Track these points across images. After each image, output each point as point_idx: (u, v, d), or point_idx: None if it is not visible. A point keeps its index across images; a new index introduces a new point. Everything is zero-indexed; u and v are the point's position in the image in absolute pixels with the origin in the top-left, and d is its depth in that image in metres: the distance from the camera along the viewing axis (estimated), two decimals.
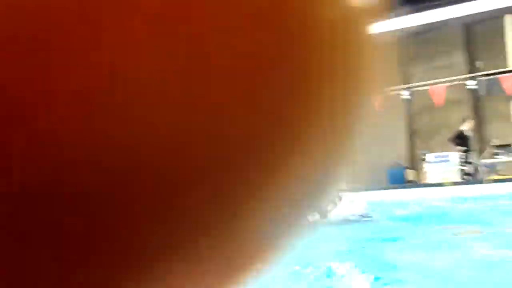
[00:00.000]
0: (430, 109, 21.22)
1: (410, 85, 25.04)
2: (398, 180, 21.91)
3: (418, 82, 27.00)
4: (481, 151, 17.58)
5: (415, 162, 23.80)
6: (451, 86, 23.35)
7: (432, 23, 27.97)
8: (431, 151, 20.03)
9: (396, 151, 27.21)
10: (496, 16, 23.14)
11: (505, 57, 21.58)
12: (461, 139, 12.32)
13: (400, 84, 26.96)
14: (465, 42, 26.63)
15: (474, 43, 26.35)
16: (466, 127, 12.72)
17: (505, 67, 21.44)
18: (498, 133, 22.14)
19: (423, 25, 28.11)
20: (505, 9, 23.32)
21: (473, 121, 13.13)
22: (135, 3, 0.17)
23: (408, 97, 16.42)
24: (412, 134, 27.32)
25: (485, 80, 20.17)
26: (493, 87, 18.05)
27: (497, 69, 21.89)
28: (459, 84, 22.71)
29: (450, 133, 24.75)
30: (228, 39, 0.17)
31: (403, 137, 27.70)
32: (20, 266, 0.17)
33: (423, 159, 17.79)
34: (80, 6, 0.15)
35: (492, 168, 13.33)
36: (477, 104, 23.92)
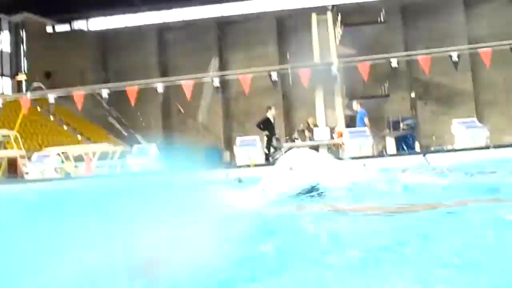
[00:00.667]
0: (245, 95, 22.31)
1: (224, 72, 26.11)
2: (215, 161, 22.82)
3: (237, 69, 28.37)
4: (289, 136, 19.21)
5: (231, 145, 24.81)
6: (262, 75, 25.04)
7: (248, 14, 29.66)
8: (246, 134, 21.08)
9: (214, 134, 28.39)
10: (304, 13, 25.35)
11: (312, 51, 23.75)
12: (266, 125, 13.45)
13: (219, 71, 27.93)
14: (278, 35, 28.86)
15: (286, 36, 28.71)
16: (270, 114, 13.90)
17: (312, 61, 23.57)
18: (303, 118, 24.55)
19: (241, 15, 29.63)
20: (313, 8, 25.73)
21: (274, 108, 14.36)
22: None
23: (218, 84, 17.05)
24: (229, 118, 28.73)
25: (292, 71, 21.96)
26: (299, 78, 19.77)
27: (305, 62, 23.96)
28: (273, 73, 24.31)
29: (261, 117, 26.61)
30: None
31: (220, 121, 28.97)
32: None
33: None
34: None
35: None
36: (286, 92, 26.12)
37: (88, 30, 31.11)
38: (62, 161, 13.38)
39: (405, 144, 21.09)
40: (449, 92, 26.81)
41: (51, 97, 15.39)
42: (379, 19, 22.01)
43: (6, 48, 30.54)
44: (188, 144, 28.33)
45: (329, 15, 23.02)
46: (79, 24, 31.33)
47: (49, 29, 31.10)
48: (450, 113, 27.42)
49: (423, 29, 26.90)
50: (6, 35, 30.53)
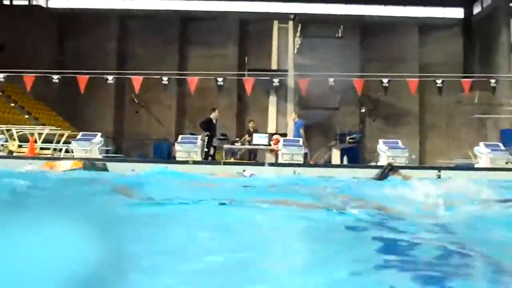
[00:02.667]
0: (201, 93, 22.50)
1: (180, 72, 26.26)
2: (163, 155, 22.92)
3: (195, 65, 28.52)
4: (240, 137, 19.54)
5: None
6: (222, 75, 25.37)
7: (212, 12, 29.84)
8: (197, 131, 21.28)
9: (165, 128, 28.36)
10: (267, 19, 25.83)
11: (270, 57, 24.27)
12: (208, 125, 14.01)
13: (175, 67, 28.00)
14: (239, 37, 29.21)
15: (247, 39, 29.10)
16: (213, 116, 14.46)
17: (269, 67, 24.07)
18: (258, 122, 25.03)
19: (206, 12, 29.75)
20: (276, 15, 26.26)
21: (217, 111, 14.93)
22: None
23: (166, 83, 17.23)
24: (182, 114, 28.79)
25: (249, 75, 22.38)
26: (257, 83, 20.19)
27: (263, 67, 24.42)
28: (231, 75, 24.62)
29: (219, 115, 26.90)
30: None
31: (173, 116, 28.98)
32: None
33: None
34: None
35: (233, 153, 15.40)
36: (241, 95, 26.45)
37: (47, 7, 30.36)
38: (6, 140, 13.21)
39: (349, 156, 21.98)
40: (397, 112, 28.01)
41: (1, 75, 15.11)
42: (337, 34, 22.76)
43: None
44: (139, 136, 28.26)
45: (290, 24, 23.63)
46: (38, 1, 30.53)
47: (5, 1, 30.17)
48: (396, 132, 28.66)
49: (378, 48, 28.00)
50: None
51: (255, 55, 26.96)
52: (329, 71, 24.01)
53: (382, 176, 6.12)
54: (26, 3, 30.56)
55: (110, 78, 15.24)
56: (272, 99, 23.77)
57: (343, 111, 25.95)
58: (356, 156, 22.89)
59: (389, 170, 6.26)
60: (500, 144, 12.89)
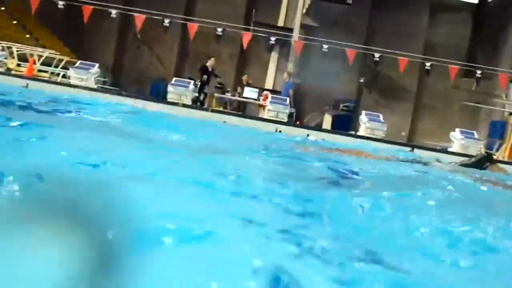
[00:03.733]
0: (204, 39, 22.54)
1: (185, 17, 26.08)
2: (160, 94, 23.14)
3: (201, 8, 28.28)
4: (234, 88, 19.82)
5: None
6: (225, 26, 25.35)
7: None
8: (195, 77, 21.46)
9: (165, 69, 28.43)
10: None
11: (278, 13, 24.17)
12: (203, 72, 14.29)
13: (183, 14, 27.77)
14: None
15: None
16: (209, 64, 14.70)
17: (276, 23, 24.02)
18: (255, 76, 25.20)
19: None
20: None
21: (213, 59, 15.16)
22: None
23: (167, 25, 17.26)
24: (184, 57, 28.79)
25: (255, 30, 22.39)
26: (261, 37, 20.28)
27: (270, 22, 24.36)
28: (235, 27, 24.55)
29: (217, 64, 27.02)
30: None
31: (174, 57, 28.98)
32: None
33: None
34: None
35: (225, 102, 15.77)
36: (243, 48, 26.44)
37: None
38: (6, 57, 13.40)
39: (340, 123, 22.38)
40: (395, 87, 28.18)
41: None
42: (347, 0, 22.66)
43: None
44: (138, 72, 28.37)
45: None
46: None
47: None
48: (390, 106, 28.98)
49: (386, 21, 27.84)
50: None
51: (264, 8, 26.74)
52: (334, 36, 24.11)
53: (477, 164, 5.82)
54: None
55: (114, 12, 15.29)
56: (274, 56, 23.86)
57: (341, 78, 26.08)
58: (348, 124, 23.24)
59: (486, 160, 5.99)
60: (475, 133, 13.37)
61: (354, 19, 24.56)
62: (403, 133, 28.15)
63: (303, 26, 22.84)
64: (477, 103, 23.16)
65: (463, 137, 12.71)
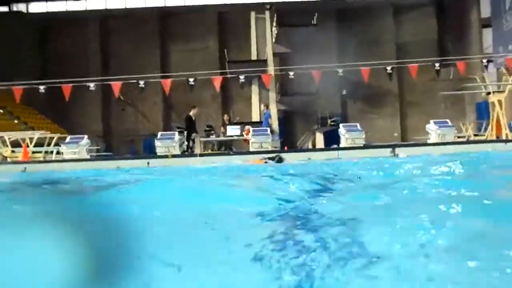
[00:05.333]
0: (185, 88, 23.16)
1: (163, 74, 26.87)
2: (152, 150, 23.63)
3: (177, 60, 29.17)
4: (219, 130, 20.26)
5: None
6: (202, 74, 26.17)
7: (190, 6, 30.40)
8: (182, 124, 21.96)
9: (153, 124, 29.04)
10: (244, 11, 26.43)
11: (250, 48, 24.90)
12: (187, 122, 14.98)
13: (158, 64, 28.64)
14: (219, 29, 29.80)
15: (226, 31, 29.70)
16: (192, 113, 15.36)
17: (249, 57, 24.73)
18: (241, 111, 25.78)
19: (183, 7, 30.29)
20: (252, 6, 26.81)
21: (197, 108, 15.83)
22: None
23: (143, 86, 17.91)
24: (168, 108, 29.48)
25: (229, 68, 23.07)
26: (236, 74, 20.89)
27: (243, 57, 25.13)
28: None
29: (202, 109, 27.67)
30: None
31: (160, 111, 29.66)
32: None
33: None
34: None
35: (207, 145, 16.34)
36: (225, 86, 27.14)
37: (28, 12, 30.73)
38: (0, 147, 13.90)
39: (331, 138, 22.78)
40: (377, 92, 28.75)
41: None
42: (312, 21, 23.44)
43: None
44: (127, 132, 28.95)
45: (267, 14, 24.25)
46: (19, 7, 30.88)
47: None
48: (377, 111, 29.59)
49: (354, 31, 28.68)
50: None
51: (235, 47, 27.63)
52: (306, 57, 24.78)
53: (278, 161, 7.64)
54: (7, 9, 30.89)
55: (92, 85, 15.96)
56: (254, 88, 24.43)
57: (323, 95, 26.63)
58: (339, 138, 23.69)
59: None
60: (448, 121, 13.91)
61: (322, 37, 25.32)
62: (395, 134, 28.66)
63: (276, 55, 23.53)
64: (458, 90, 23.66)
65: (437, 127, 13.28)
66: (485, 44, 26.32)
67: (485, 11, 25.74)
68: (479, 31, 26.71)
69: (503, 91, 15.63)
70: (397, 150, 10.84)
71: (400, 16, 29.53)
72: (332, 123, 23.75)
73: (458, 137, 16.82)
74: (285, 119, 25.72)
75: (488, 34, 25.34)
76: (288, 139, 24.80)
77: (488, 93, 15.91)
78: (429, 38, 29.38)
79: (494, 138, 15.09)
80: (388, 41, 29.22)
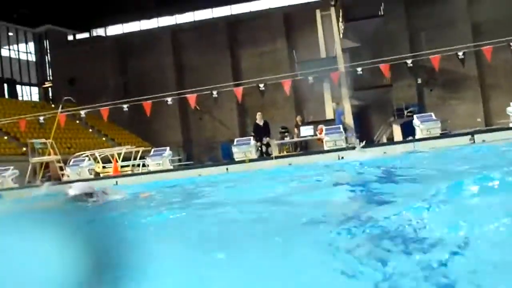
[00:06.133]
0: (257, 92, 23.61)
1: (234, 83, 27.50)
2: (230, 154, 24.30)
3: (247, 64, 29.82)
4: (293, 131, 20.49)
5: None
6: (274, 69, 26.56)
7: (256, 12, 30.94)
8: None
9: (230, 130, 29.87)
10: (309, 9, 26.48)
11: (318, 46, 24.90)
12: (255, 128, 15.51)
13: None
14: (285, 31, 30.06)
15: (293, 32, 29.88)
16: (257, 119, 15.80)
17: (318, 56, 24.73)
18: (315, 111, 25.77)
19: (249, 13, 30.90)
20: (317, 3, 26.80)
21: (261, 112, 16.22)
22: None
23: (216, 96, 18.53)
24: (244, 113, 30.17)
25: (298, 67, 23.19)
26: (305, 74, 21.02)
27: (311, 56, 25.15)
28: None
29: (276, 111, 28.08)
30: None
31: (235, 116, 30.45)
32: None
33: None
34: None
35: (281, 147, 16.59)
36: (297, 86, 27.34)
37: (106, 35, 32.80)
38: (92, 164, 15.06)
39: (409, 129, 22.17)
40: (455, 77, 27.57)
41: (82, 112, 17.31)
42: (379, 12, 23.02)
43: (32, 58, 32.55)
44: (206, 140, 30.00)
45: (332, 10, 24.12)
46: (98, 32, 33.06)
47: (70, 37, 32.90)
48: (457, 97, 28.36)
49: (425, 16, 27.72)
50: (31, 46, 32.50)
51: (303, 46, 27.67)
52: (377, 49, 24.36)
53: None
54: (87, 36, 33.16)
55: (169, 99, 16.84)
56: (326, 86, 24.36)
57: (398, 86, 26.02)
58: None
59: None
60: (432, 114, 13.26)
61: (392, 26, 24.78)
62: (478, 119, 27.27)
63: (345, 50, 23.32)
64: None
65: None
66: None
67: None
68: None
69: None
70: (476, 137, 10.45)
71: None
72: (409, 114, 23.09)
73: None
74: (360, 114, 25.36)
75: None
76: (364, 134, 24.43)
77: None
78: (508, 14, 27.69)
79: None
80: (463, 21, 27.90)
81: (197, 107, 27.98)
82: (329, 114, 23.31)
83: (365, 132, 25.39)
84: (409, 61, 18.23)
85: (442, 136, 12.52)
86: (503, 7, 27.48)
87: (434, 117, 13.62)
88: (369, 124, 27.20)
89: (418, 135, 13.29)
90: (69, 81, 29.50)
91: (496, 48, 18.96)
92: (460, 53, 17.14)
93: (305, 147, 16.39)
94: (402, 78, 26.32)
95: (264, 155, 13.96)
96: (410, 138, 14.05)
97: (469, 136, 10.86)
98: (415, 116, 14.49)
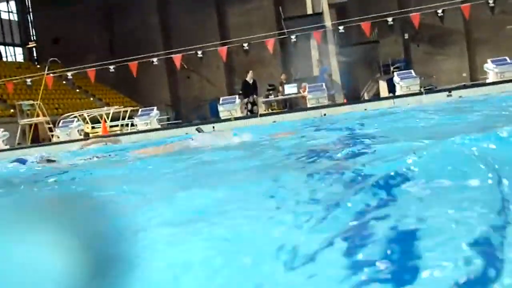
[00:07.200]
0: (244, 51, 23.55)
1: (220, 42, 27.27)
2: (218, 112, 24.49)
3: (235, 21, 29.56)
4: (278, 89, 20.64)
5: None
6: (259, 25, 26.40)
7: None
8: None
9: (217, 88, 29.88)
10: None
11: (304, 2, 24.67)
12: (245, 86, 15.65)
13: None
14: None
15: None
16: (248, 77, 15.91)
17: (305, 12, 24.55)
18: (302, 68, 25.80)
19: None
20: None
21: (251, 72, 16.30)
22: None
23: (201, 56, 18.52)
24: (231, 71, 30.14)
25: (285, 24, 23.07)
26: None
27: (298, 12, 24.94)
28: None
29: (263, 68, 28.08)
30: None
31: (223, 74, 30.41)
32: None
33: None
34: None
35: (268, 105, 16.86)
36: (284, 43, 27.24)
37: None
38: (81, 125, 15.21)
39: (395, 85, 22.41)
40: (441, 33, 27.60)
41: (69, 73, 17.29)
42: None
43: (14, 17, 31.93)
44: (194, 99, 30.05)
45: None
46: None
47: None
48: (443, 53, 28.49)
49: None
50: (12, 5, 31.82)
51: (290, 2, 27.43)
52: (364, 5, 24.25)
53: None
54: None
55: (155, 60, 16.84)
56: (313, 43, 24.32)
57: (385, 42, 26.06)
58: None
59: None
60: (507, 58, 13.32)
61: None
62: (464, 75, 27.55)
63: (332, 6, 23.16)
64: None
65: (495, 65, 12.85)
66: None
67: None
68: None
69: None
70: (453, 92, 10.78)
71: None
72: (396, 70, 23.29)
73: None
74: (347, 70, 25.46)
75: None
76: (351, 91, 24.64)
77: None
78: None
79: None
80: None
81: (185, 66, 27.94)
82: (316, 71, 23.37)
83: (352, 88, 25.61)
84: (390, 19, 18.24)
85: (420, 93, 12.84)
86: None
87: (414, 74, 13.90)
88: (356, 81, 27.35)
89: (398, 91, 13.60)
90: (53, 41, 29.09)
91: (483, 4, 19.06)
92: (440, 11, 17.23)
93: (290, 105, 16.67)
94: (389, 34, 26.29)
95: (249, 114, 14.24)
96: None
97: (447, 92, 11.18)
98: (395, 73, 14.77)
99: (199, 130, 7.86)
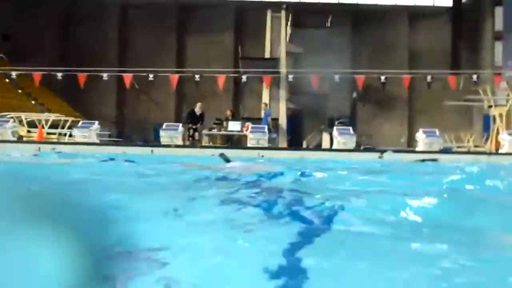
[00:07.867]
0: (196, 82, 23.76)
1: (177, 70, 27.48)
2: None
3: (194, 53, 29.84)
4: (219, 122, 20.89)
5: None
6: (219, 59, 26.86)
7: (209, 1, 31.01)
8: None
9: (165, 113, 29.71)
10: (261, 9, 26.93)
11: (264, 46, 25.40)
12: (191, 116, 15.94)
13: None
14: (235, 25, 30.39)
15: (242, 27, 30.26)
16: (197, 108, 16.23)
17: (263, 55, 25.24)
18: (252, 107, 26.26)
19: (203, 1, 30.90)
20: (269, 4, 27.30)
21: (201, 103, 16.68)
22: None
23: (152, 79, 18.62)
24: (180, 100, 30.17)
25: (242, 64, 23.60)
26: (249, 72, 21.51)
27: (257, 55, 25.62)
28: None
29: (214, 101, 28.31)
30: None
31: (173, 99, 30.36)
32: None
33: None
34: None
35: (211, 137, 17.10)
36: (238, 80, 27.71)
37: None
38: (16, 127, 14.66)
39: None
40: (387, 97, 29.05)
41: (13, 73, 16.75)
42: (326, 24, 23.87)
43: None
44: (139, 120, 29.69)
45: (283, 13, 24.70)
46: None
47: None
48: (386, 116, 29.94)
49: (368, 36, 29.05)
50: None
51: (251, 43, 28.12)
52: (319, 59, 25.18)
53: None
54: None
55: (105, 75, 16.69)
56: (265, 86, 24.91)
57: (334, 97, 27.04)
58: None
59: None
60: (437, 131, 14.47)
61: (336, 39, 25.73)
62: (402, 140, 28.99)
63: (289, 54, 23.94)
64: (467, 100, 23.92)
65: (425, 136, 13.90)
66: (496, 57, 26.55)
67: (499, 24, 25.98)
68: (492, 43, 26.94)
69: (504, 105, 15.99)
70: (386, 154, 11.42)
71: (415, 23, 29.80)
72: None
73: (458, 147, 17.21)
74: (294, 117, 26.16)
75: (499, 47, 25.59)
76: (296, 137, 25.26)
77: (490, 106, 16.30)
78: (444, 46, 29.62)
79: (493, 150, 15.50)
80: (402, 47, 29.51)
81: (136, 86, 27.71)
82: (262, 113, 23.86)
83: (297, 136, 26.27)
84: (337, 77, 19.24)
85: (354, 150, 13.47)
86: (437, 40, 29.41)
87: (351, 131, 14.59)
88: (302, 129, 28.10)
89: (334, 145, 14.19)
90: (2, 37, 28.15)
91: (425, 77, 20.40)
92: (383, 78, 18.40)
93: (232, 142, 16.88)
94: (339, 90, 27.35)
95: (190, 139, 14.41)
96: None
97: (379, 154, 11.80)
98: (335, 128, 15.44)
99: (226, 159, 7.46)
